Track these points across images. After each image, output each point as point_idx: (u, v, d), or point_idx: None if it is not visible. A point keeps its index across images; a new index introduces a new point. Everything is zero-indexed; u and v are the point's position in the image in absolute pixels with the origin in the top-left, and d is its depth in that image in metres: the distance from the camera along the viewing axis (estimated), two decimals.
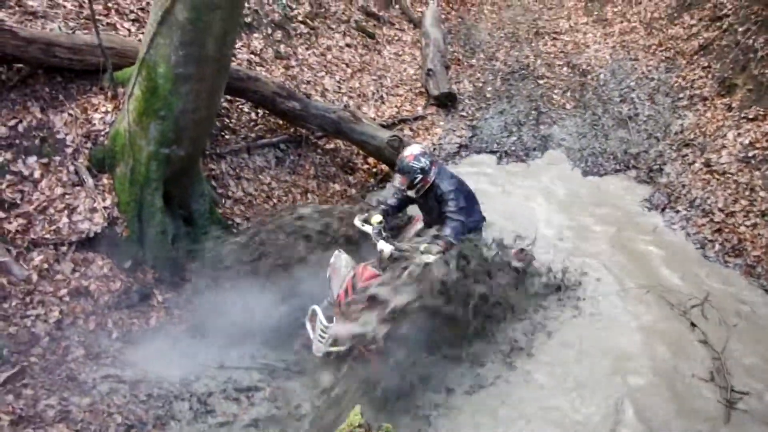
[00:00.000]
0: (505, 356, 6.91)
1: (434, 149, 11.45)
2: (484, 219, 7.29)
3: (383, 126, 10.66)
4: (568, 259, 8.38)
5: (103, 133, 7.17)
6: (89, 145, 7.07)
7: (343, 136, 9.86)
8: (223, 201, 8.19)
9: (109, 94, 7.49)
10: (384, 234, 6.57)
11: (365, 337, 5.80)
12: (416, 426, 6.06)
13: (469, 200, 6.90)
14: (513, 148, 11.51)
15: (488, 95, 12.86)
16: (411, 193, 6.68)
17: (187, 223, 7.47)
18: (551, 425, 6.16)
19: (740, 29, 11.27)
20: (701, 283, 8.08)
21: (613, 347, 7.11)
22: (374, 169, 10.29)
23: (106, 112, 7.34)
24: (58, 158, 6.84)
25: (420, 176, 6.50)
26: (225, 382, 6.11)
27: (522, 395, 6.51)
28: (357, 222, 6.81)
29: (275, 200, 8.74)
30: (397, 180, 6.59)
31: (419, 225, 7.22)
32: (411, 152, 6.54)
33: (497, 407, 6.34)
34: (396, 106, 12.12)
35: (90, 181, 6.80)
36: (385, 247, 6.33)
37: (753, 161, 9.26)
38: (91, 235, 6.54)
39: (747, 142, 9.57)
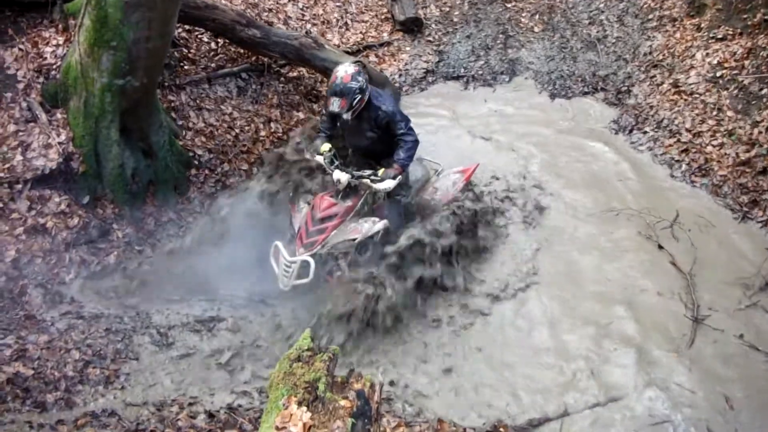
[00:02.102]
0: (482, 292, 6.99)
1: (400, 75, 11.30)
2: None
3: (348, 53, 10.46)
4: (536, 185, 8.41)
5: (55, 66, 6.98)
6: (41, 79, 6.89)
7: (306, 64, 9.66)
8: (184, 133, 8.03)
9: (60, 26, 7.29)
10: (337, 162, 6.46)
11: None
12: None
13: None
14: (480, 72, 11.35)
15: (455, 19, 12.60)
16: (347, 116, 6.28)
17: (147, 156, 7.32)
18: (517, 347, 6.23)
19: None
20: (668, 203, 8.10)
21: (581, 270, 7.18)
22: None
23: (58, 45, 7.15)
24: (9, 94, 6.66)
25: (359, 96, 6.17)
26: (186, 315, 6.08)
27: (492, 311, 6.68)
28: (307, 154, 6.67)
29: (237, 130, 8.58)
30: (336, 104, 6.14)
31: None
32: (346, 72, 6.14)
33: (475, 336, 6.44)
34: (361, 33, 11.88)
35: (43, 117, 6.63)
36: (341, 176, 6.26)
37: (721, 81, 9.19)
38: (47, 171, 6.39)
39: (715, 62, 9.48)
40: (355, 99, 6.14)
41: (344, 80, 6.06)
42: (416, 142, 6.38)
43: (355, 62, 8.99)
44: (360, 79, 6.13)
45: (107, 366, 5.17)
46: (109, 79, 6.51)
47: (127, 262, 6.50)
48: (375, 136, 6.47)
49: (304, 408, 3.26)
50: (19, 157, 6.30)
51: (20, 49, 6.97)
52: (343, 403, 3.37)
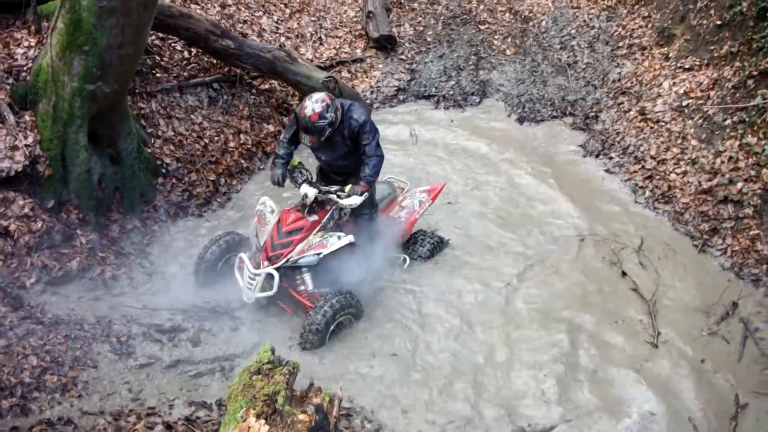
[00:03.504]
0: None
1: (372, 92, 11.37)
2: None
3: (321, 68, 10.51)
4: (502, 211, 8.52)
5: (25, 68, 6.93)
6: (11, 80, 6.84)
7: (278, 77, 9.71)
8: (153, 140, 8.01)
9: (33, 28, 7.28)
10: (305, 176, 6.48)
11: None
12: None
13: None
14: (451, 92, 11.49)
15: (429, 39, 12.74)
16: (318, 145, 6.29)
17: (115, 163, 7.28)
18: (480, 366, 6.25)
19: None
20: (632, 229, 8.22)
21: (545, 293, 7.24)
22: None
23: (29, 47, 7.12)
24: None
25: (328, 130, 6.10)
26: (147, 324, 6.03)
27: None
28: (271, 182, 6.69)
29: (206, 140, 8.59)
30: (306, 139, 6.11)
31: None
32: (314, 111, 5.94)
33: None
34: (335, 48, 11.96)
35: (11, 118, 6.55)
36: (308, 191, 6.27)
37: (686, 110, 9.35)
38: (12, 173, 6.30)
39: (682, 91, 9.65)
40: (324, 134, 6.09)
41: (312, 119, 5.95)
42: (381, 158, 6.37)
43: (327, 78, 9.07)
44: (328, 115, 6.01)
45: (65, 373, 5.09)
46: (80, 84, 6.47)
47: (89, 269, 6.44)
48: (348, 149, 6.40)
49: (263, 421, 3.27)
50: None
51: None
52: (301, 417, 3.38)
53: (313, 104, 5.95)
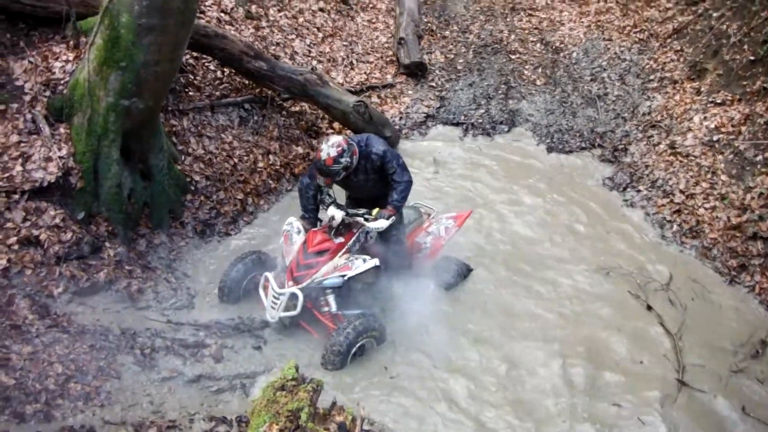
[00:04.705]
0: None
1: (401, 118, 11.40)
2: None
3: (352, 92, 10.57)
4: (527, 239, 8.47)
5: (62, 82, 7.05)
6: (48, 93, 6.96)
7: (309, 99, 9.78)
8: (183, 158, 8.09)
9: (71, 43, 7.39)
10: (332, 198, 6.53)
11: None
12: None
13: None
14: (480, 120, 11.47)
15: (459, 67, 12.79)
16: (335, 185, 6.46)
17: (145, 178, 7.36)
18: (495, 399, 6.20)
19: (715, 15, 11.29)
20: (658, 263, 8.14)
21: (567, 327, 7.17)
22: (339, 134, 10.22)
23: (67, 61, 7.25)
24: (15, 105, 6.72)
25: (343, 173, 6.19)
26: (171, 338, 6.07)
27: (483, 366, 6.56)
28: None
29: (236, 159, 8.65)
30: (321, 180, 6.22)
31: None
32: (329, 155, 6.00)
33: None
34: (365, 73, 12.04)
35: (47, 130, 6.66)
36: (336, 213, 6.32)
37: (717, 145, 9.31)
38: (45, 184, 6.39)
39: (713, 126, 9.61)
40: (338, 177, 6.19)
41: (327, 163, 6.01)
42: (409, 182, 6.41)
43: (358, 102, 9.13)
44: (343, 160, 6.05)
45: (89, 382, 5.14)
46: (115, 99, 6.57)
47: (116, 281, 6.48)
48: (375, 181, 6.48)
49: None
50: (18, 168, 6.32)
51: (30, 62, 7.07)
52: None
53: (329, 149, 6.01)
